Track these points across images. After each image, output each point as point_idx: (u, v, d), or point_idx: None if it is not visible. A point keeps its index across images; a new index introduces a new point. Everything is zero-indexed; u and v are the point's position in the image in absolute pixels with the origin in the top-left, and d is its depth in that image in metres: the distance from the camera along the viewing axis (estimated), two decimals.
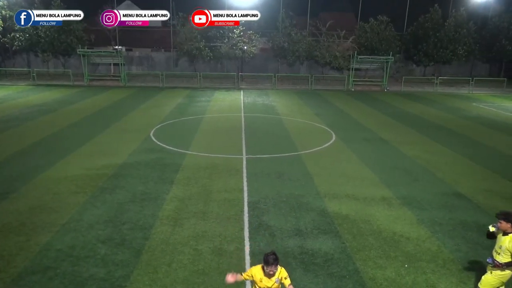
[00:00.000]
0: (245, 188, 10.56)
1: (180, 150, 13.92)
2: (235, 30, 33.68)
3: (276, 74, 34.88)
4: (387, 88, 33.90)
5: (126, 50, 41.82)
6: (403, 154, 14.12)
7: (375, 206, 9.63)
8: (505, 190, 10.94)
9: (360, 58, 33.36)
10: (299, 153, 13.95)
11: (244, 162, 12.76)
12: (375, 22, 36.47)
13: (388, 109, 24.03)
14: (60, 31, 34.07)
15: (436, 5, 36.86)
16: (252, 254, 7.36)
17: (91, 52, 33.25)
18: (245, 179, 11.22)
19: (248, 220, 8.72)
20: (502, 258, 5.59)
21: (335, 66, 36.42)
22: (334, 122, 19.44)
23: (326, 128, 18.18)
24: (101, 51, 33.69)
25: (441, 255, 7.49)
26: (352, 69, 34.30)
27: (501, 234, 5.61)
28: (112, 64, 36.96)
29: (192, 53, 35.56)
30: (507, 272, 5.65)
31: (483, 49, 39.08)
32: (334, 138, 16.29)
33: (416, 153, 14.30)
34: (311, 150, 14.31)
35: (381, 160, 13.41)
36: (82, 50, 32.22)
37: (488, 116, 22.35)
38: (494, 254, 5.68)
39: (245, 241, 7.82)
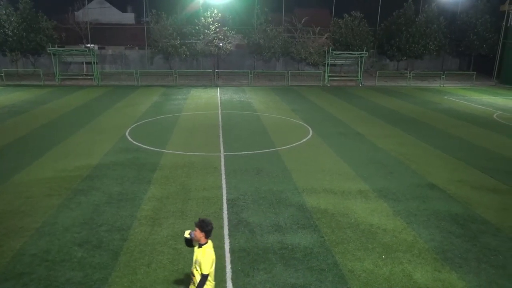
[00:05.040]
0: (224, 186, 10.54)
1: (156, 149, 13.75)
2: (211, 26, 33.41)
3: (253, 71, 34.82)
4: (362, 83, 34.44)
5: (99, 48, 40.83)
6: (378, 148, 14.40)
7: (352, 199, 9.80)
8: (475, 179, 11.32)
9: (335, 54, 33.73)
10: (277, 149, 14.02)
11: (222, 160, 12.73)
12: (349, 18, 36.90)
13: (363, 103, 24.42)
14: (28, 29, 32.95)
15: (410, 0, 37.62)
16: (232, 251, 7.37)
17: (62, 50, 32.30)
18: (223, 177, 11.20)
19: (228, 218, 8.71)
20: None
21: (310, 62, 36.68)
22: (310, 118, 19.61)
23: (303, 123, 18.33)
24: (72, 50, 32.77)
25: (417, 245, 7.69)
26: (327, 64, 34.65)
27: (197, 246, 4.89)
28: (84, 63, 36.04)
29: (168, 50, 35.08)
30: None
31: (452, 44, 40.20)
32: (311, 133, 16.44)
33: (391, 146, 14.61)
34: (289, 146, 14.41)
35: (357, 154, 13.64)
36: (53, 48, 31.28)
37: (459, 108, 23.04)
38: (194, 271, 4.88)
39: (225, 239, 7.82)
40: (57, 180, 10.75)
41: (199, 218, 4.88)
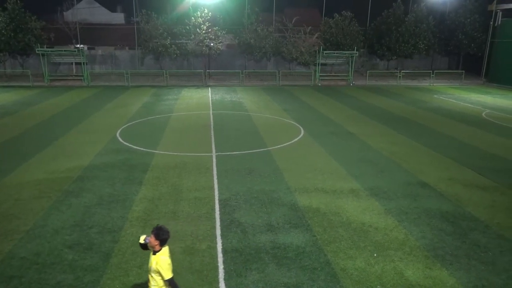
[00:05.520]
0: (216, 186, 10.52)
1: (148, 150, 13.68)
2: (202, 26, 33.31)
3: (244, 71, 34.81)
4: (353, 82, 34.63)
5: (88, 48, 40.51)
6: (369, 146, 14.48)
7: (344, 198, 9.84)
8: (464, 177, 11.45)
9: (325, 53, 33.87)
10: (268, 149, 14.03)
11: (214, 160, 12.70)
12: (339, 18, 37.08)
13: (354, 102, 24.55)
14: (17, 29, 32.54)
15: (399, 0, 37.94)
16: (224, 251, 7.35)
17: (51, 51, 31.97)
18: (215, 177, 11.17)
19: (220, 218, 8.70)
20: (155, 284, 4.78)
21: (301, 61, 36.80)
22: (302, 117, 19.66)
23: (295, 123, 18.36)
24: (61, 50, 32.45)
25: (408, 243, 7.75)
26: (318, 64, 34.78)
27: (152, 252, 4.84)
28: (74, 63, 35.72)
29: (158, 50, 34.90)
30: None
31: (441, 43, 40.63)
32: (302, 133, 16.48)
33: (382, 145, 14.71)
34: (281, 146, 14.43)
35: (348, 153, 13.70)
36: (41, 49, 30.93)
37: (448, 107, 23.28)
38: (150, 277, 4.84)
39: (217, 239, 7.80)
40: (47, 182, 10.64)
41: (157, 225, 4.85)
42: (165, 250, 4.85)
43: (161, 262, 4.70)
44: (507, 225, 8.56)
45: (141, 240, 4.89)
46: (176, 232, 8.04)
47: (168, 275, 4.69)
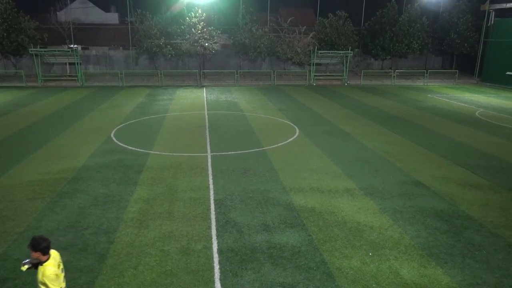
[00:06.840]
0: (211, 186, 10.51)
1: (143, 150, 13.63)
2: (198, 25, 33.24)
3: (239, 71, 34.78)
4: (347, 82, 34.73)
5: (82, 48, 40.28)
6: (363, 146, 14.54)
7: (339, 197, 9.87)
8: (458, 175, 11.53)
9: (320, 53, 33.93)
10: (263, 148, 14.03)
11: (209, 160, 12.69)
12: (334, 18, 37.17)
13: (348, 102, 24.63)
14: (9, 30, 32.28)
15: (393, 0, 38.12)
16: (220, 251, 7.35)
17: (44, 51, 31.75)
18: (210, 177, 11.16)
19: (215, 218, 8.69)
20: None
21: (296, 61, 36.85)
22: (297, 117, 19.69)
23: (290, 123, 18.38)
24: (55, 50, 32.24)
25: (403, 242, 7.79)
26: (313, 64, 34.84)
27: (40, 265, 4.62)
28: (67, 64, 35.51)
29: (153, 50, 34.77)
30: None
31: (435, 43, 40.88)
32: (297, 132, 16.51)
33: (376, 144, 14.77)
34: (276, 145, 14.44)
35: (343, 152, 13.74)
36: (35, 49, 30.70)
37: (442, 106, 23.42)
38: None
39: (213, 239, 7.79)
40: (41, 183, 10.57)
41: (32, 237, 4.59)
42: (53, 258, 4.68)
43: (47, 272, 4.50)
44: (501, 224, 8.63)
45: (24, 268, 4.61)
46: (171, 232, 8.03)
47: (54, 286, 4.52)
